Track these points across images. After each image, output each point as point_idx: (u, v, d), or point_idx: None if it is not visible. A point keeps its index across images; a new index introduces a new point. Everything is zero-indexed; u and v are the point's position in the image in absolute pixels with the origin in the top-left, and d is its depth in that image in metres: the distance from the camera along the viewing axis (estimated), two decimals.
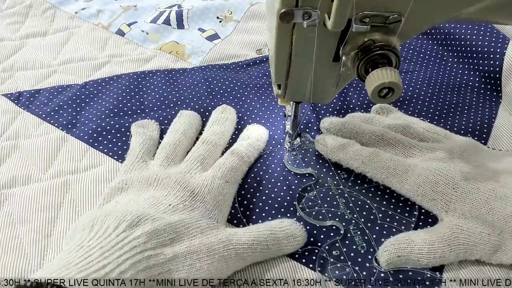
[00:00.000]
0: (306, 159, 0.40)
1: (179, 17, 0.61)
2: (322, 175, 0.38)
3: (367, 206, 0.36)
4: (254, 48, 0.56)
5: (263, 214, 0.35)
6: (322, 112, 0.45)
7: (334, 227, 0.34)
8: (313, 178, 0.38)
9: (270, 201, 0.36)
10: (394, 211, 0.35)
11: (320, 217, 0.35)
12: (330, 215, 0.35)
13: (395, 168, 0.34)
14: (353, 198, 0.36)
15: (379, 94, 0.22)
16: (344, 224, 0.34)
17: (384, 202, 0.36)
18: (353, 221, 0.35)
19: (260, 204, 0.36)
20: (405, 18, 0.22)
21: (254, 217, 0.35)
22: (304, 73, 0.28)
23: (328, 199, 0.36)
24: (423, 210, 0.35)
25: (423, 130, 0.39)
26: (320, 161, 0.40)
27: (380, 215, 0.35)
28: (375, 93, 0.22)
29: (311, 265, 0.32)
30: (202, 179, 0.34)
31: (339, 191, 0.37)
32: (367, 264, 0.32)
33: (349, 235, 0.34)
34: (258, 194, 0.37)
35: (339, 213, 0.35)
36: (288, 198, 0.37)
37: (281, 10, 0.21)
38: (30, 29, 0.61)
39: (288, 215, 0.35)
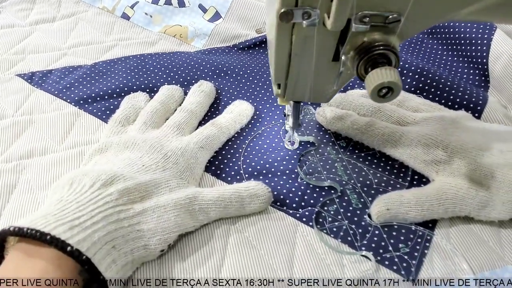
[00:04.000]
0: (308, 130, 0.42)
1: None
2: (322, 145, 0.41)
3: (363, 172, 0.38)
4: (254, 26, 0.58)
5: (267, 181, 0.38)
6: None
7: (333, 191, 0.37)
8: (315, 145, 0.41)
9: (273, 169, 0.39)
10: (388, 175, 0.38)
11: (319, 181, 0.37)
12: (329, 180, 0.37)
13: (389, 134, 0.37)
14: (350, 166, 0.39)
15: (378, 93, 0.22)
16: (341, 188, 0.37)
17: (380, 169, 0.38)
18: (350, 186, 0.37)
19: (264, 171, 0.38)
20: (405, 18, 0.22)
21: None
22: (304, 72, 0.28)
23: (328, 166, 0.39)
24: (416, 176, 0.37)
25: (417, 104, 0.41)
26: (321, 132, 0.42)
27: (376, 180, 0.37)
28: (374, 92, 0.22)
29: (310, 223, 0.34)
30: (177, 143, 0.37)
31: (338, 159, 0.39)
32: (363, 223, 0.34)
33: (346, 197, 0.36)
34: (262, 162, 0.39)
35: (337, 178, 0.38)
36: (290, 166, 0.39)
37: (281, 10, 0.21)
38: (39, 16, 0.63)
39: (290, 181, 0.37)
